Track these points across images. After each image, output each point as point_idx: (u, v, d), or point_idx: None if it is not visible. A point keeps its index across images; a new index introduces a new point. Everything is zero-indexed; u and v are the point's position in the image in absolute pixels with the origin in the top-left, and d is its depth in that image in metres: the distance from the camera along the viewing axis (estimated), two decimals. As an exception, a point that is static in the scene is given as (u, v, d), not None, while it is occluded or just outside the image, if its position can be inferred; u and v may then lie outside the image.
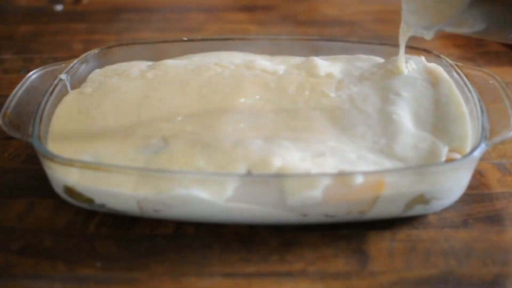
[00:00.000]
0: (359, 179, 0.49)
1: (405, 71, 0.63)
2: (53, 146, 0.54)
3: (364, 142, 0.54)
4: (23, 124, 0.54)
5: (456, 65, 0.63)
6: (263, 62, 0.66)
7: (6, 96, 0.58)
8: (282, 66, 0.66)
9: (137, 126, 0.55)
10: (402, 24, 0.60)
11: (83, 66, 0.65)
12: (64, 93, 0.61)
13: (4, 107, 0.56)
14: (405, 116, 0.57)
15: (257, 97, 0.60)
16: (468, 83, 0.59)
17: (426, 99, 0.59)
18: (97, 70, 0.66)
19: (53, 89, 0.59)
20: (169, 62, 0.65)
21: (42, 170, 0.54)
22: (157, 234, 0.52)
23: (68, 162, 0.51)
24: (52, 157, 0.51)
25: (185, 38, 0.69)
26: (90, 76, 0.65)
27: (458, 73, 0.61)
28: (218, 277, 0.48)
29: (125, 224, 0.53)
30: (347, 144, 0.54)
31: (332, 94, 0.60)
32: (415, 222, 0.53)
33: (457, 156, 0.53)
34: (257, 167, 0.51)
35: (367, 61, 0.67)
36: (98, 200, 0.52)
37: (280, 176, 0.50)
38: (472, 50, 0.81)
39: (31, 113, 0.55)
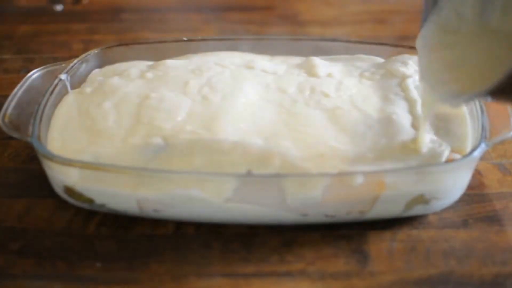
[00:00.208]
0: (359, 179, 0.49)
1: (424, 150, 0.53)
2: (53, 146, 0.54)
3: (364, 142, 0.54)
4: (23, 124, 0.54)
5: (456, 65, 0.63)
6: (263, 62, 0.66)
7: (6, 96, 0.58)
8: (282, 66, 0.66)
9: (137, 126, 0.55)
10: (423, 93, 0.55)
11: (83, 66, 0.65)
12: (64, 93, 0.61)
13: (4, 107, 0.56)
14: (405, 116, 0.57)
15: (257, 97, 0.60)
16: (468, 83, 0.59)
17: (426, 99, 0.59)
18: (97, 70, 0.66)
19: (53, 89, 0.59)
20: (169, 62, 0.65)
21: (42, 170, 0.54)
22: (157, 234, 0.52)
23: (68, 162, 0.51)
24: (52, 157, 0.51)
25: (185, 38, 0.69)
26: (90, 76, 0.65)
27: (458, 73, 0.61)
28: (218, 277, 0.48)
29: (125, 224, 0.53)
30: (347, 144, 0.54)
31: (332, 94, 0.60)
32: (415, 222, 0.53)
33: (457, 156, 0.53)
34: (257, 167, 0.51)
35: (367, 61, 0.67)
36: (98, 200, 0.52)
37: (280, 176, 0.50)
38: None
39: (31, 113, 0.55)
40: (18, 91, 0.58)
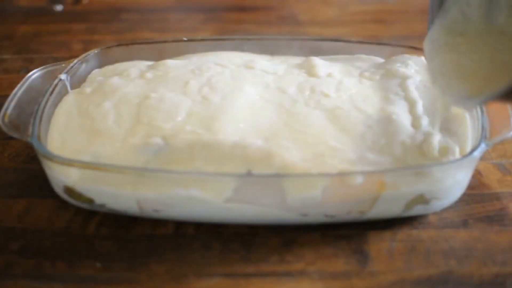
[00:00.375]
0: (359, 179, 0.49)
1: (436, 152, 0.53)
2: (53, 146, 0.54)
3: (364, 142, 0.54)
4: (23, 124, 0.54)
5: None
6: (263, 62, 0.66)
7: (6, 96, 0.58)
8: (282, 66, 0.66)
9: (137, 126, 0.55)
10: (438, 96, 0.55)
11: (83, 66, 0.65)
12: (64, 93, 0.61)
13: (4, 107, 0.56)
14: (405, 116, 0.57)
15: (257, 97, 0.60)
16: (468, 83, 0.59)
17: (426, 99, 0.59)
18: (97, 70, 0.66)
19: (53, 89, 0.59)
20: (169, 62, 0.65)
21: (42, 170, 0.54)
22: (157, 234, 0.52)
23: (68, 162, 0.51)
24: (52, 157, 0.51)
25: (185, 38, 0.69)
26: (90, 76, 0.65)
27: (458, 73, 0.61)
28: (218, 277, 0.48)
29: (125, 224, 0.53)
30: (347, 144, 0.54)
31: (332, 94, 0.60)
32: (415, 222, 0.53)
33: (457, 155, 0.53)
34: (257, 167, 0.51)
35: (367, 61, 0.67)
36: (98, 200, 0.52)
37: (280, 176, 0.50)
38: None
39: (31, 113, 0.55)
40: (18, 91, 0.58)
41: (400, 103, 0.59)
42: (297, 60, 0.67)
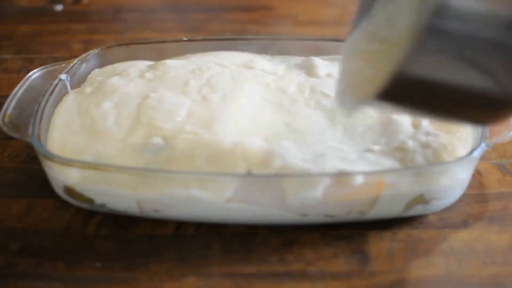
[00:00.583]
0: (359, 179, 0.49)
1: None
2: (53, 146, 0.54)
3: (364, 142, 0.54)
4: (23, 124, 0.54)
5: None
6: (263, 62, 0.66)
7: (6, 96, 0.58)
8: (282, 66, 0.66)
9: (137, 126, 0.55)
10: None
11: (83, 66, 0.65)
12: (64, 93, 0.61)
13: (4, 107, 0.56)
14: (405, 116, 0.57)
15: (257, 97, 0.60)
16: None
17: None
18: (97, 70, 0.66)
19: (53, 89, 0.59)
20: (169, 62, 0.65)
21: (42, 170, 0.54)
22: (157, 234, 0.52)
23: (68, 162, 0.51)
24: (52, 157, 0.51)
25: (185, 38, 0.69)
26: (90, 76, 0.65)
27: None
28: (218, 277, 0.48)
29: (125, 224, 0.53)
30: (347, 144, 0.54)
31: (332, 94, 0.60)
32: (415, 222, 0.53)
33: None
34: (257, 167, 0.51)
35: (367, 61, 0.67)
36: (98, 200, 0.52)
37: (280, 176, 0.50)
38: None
39: (31, 113, 0.55)
40: (18, 91, 0.58)
41: (400, 103, 0.59)
42: (297, 60, 0.67)
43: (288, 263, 0.49)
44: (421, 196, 0.50)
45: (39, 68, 0.62)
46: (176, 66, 0.65)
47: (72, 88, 0.62)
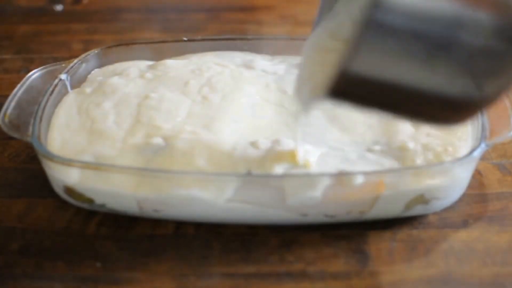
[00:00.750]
0: (359, 179, 0.49)
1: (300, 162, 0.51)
2: (53, 146, 0.54)
3: (364, 142, 0.54)
4: (23, 124, 0.54)
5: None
6: (263, 62, 0.66)
7: (6, 96, 0.58)
8: (282, 66, 0.66)
9: (137, 126, 0.55)
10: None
11: (83, 66, 0.65)
12: (64, 93, 0.61)
13: (4, 107, 0.56)
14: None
15: (257, 97, 0.60)
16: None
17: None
18: (97, 70, 0.66)
19: (53, 89, 0.59)
20: (169, 62, 0.65)
21: (42, 170, 0.54)
22: (157, 234, 0.52)
23: (68, 162, 0.51)
24: (52, 157, 0.51)
25: (185, 38, 0.69)
26: (90, 76, 0.65)
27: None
28: (218, 277, 0.48)
29: (125, 224, 0.53)
30: (347, 144, 0.54)
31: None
32: (415, 222, 0.53)
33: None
34: (257, 167, 0.51)
35: (367, 61, 0.67)
36: (98, 200, 0.52)
37: (280, 176, 0.50)
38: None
39: (31, 113, 0.55)
40: (18, 91, 0.58)
41: (400, 103, 0.59)
42: (297, 60, 0.67)
43: (288, 263, 0.49)
44: (421, 196, 0.50)
45: (39, 68, 0.62)
46: (176, 66, 0.65)
47: (72, 88, 0.62)
